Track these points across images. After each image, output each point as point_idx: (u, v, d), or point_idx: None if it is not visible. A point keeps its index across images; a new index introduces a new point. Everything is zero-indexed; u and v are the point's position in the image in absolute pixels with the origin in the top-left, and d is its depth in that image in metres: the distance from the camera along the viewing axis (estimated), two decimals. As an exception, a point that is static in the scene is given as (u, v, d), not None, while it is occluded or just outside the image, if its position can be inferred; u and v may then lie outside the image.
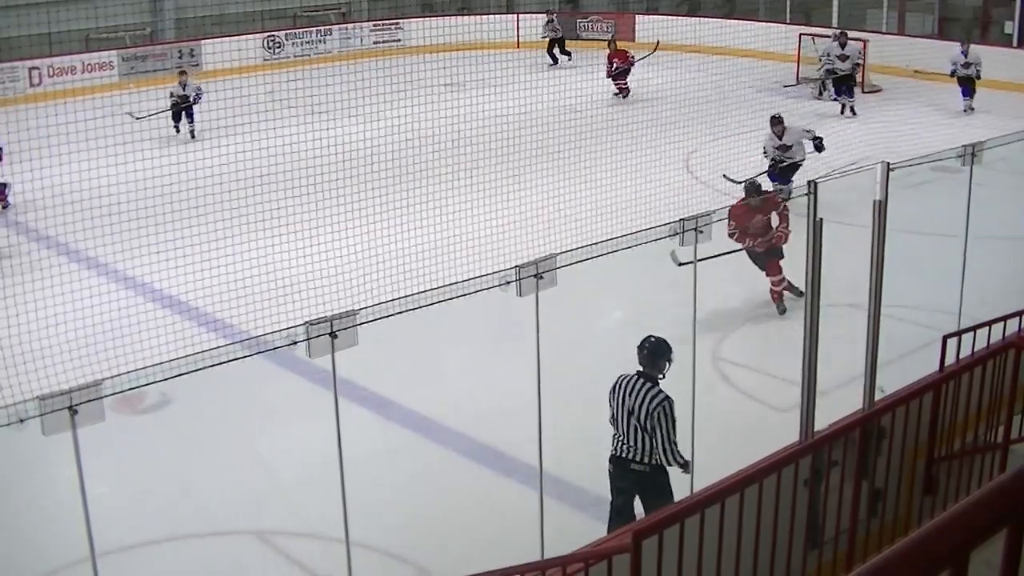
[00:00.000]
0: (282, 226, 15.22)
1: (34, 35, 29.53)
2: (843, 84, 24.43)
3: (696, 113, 20.77)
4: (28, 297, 12.59)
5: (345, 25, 34.68)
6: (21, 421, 5.83)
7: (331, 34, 33.63)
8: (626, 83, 26.55)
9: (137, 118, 20.35)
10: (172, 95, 23.79)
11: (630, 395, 7.80)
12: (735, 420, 9.76)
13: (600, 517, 8.31)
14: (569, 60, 30.96)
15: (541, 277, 7.13)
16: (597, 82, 22.82)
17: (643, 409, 7.73)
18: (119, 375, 8.42)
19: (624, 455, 7.88)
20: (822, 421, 7.09)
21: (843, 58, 24.27)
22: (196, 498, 9.37)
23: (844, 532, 6.71)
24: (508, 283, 6.89)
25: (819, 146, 16.57)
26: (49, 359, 10.73)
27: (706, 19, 30.90)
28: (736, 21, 30.86)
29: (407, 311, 6.69)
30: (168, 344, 10.64)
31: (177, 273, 13.36)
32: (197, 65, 30.79)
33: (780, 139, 16.49)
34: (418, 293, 6.96)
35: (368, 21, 34.79)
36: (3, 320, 12.10)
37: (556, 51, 31.30)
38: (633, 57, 26.33)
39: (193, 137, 23.12)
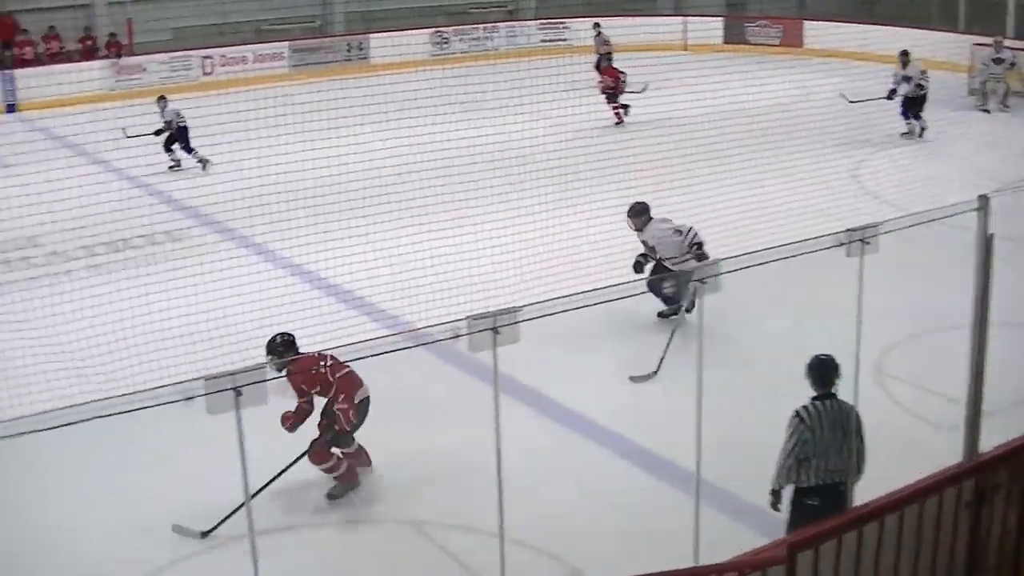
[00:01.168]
0: (446, 220, 15.38)
1: (207, 25, 30.41)
2: (910, 107, 22.07)
3: (863, 120, 20.46)
4: (197, 280, 12.97)
5: (512, 23, 34.88)
6: (189, 399, 6.01)
7: (498, 31, 33.84)
8: (619, 106, 23.80)
9: (128, 136, 19.45)
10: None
11: (828, 416, 7.55)
12: (895, 436, 9.55)
13: (754, 526, 8.23)
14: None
15: (704, 283, 7.08)
16: (770, 86, 22.45)
17: (850, 424, 7.52)
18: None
19: (837, 481, 7.62)
20: (987, 442, 6.91)
21: (906, 79, 21.91)
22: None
23: (1008, 560, 6.53)
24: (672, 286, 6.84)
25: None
26: (217, 340, 11.04)
27: (878, 26, 30.16)
28: (908, 29, 30.07)
29: (571, 310, 6.69)
30: (331, 332, 10.87)
31: (343, 262, 13.60)
32: (365, 59, 31.31)
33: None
34: (581, 292, 6.96)
35: (535, 20, 34.91)
36: (172, 301, 12.50)
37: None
38: (623, 81, 23.71)
39: (203, 167, 20.53)
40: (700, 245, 12.58)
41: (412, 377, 10.47)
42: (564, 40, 33.39)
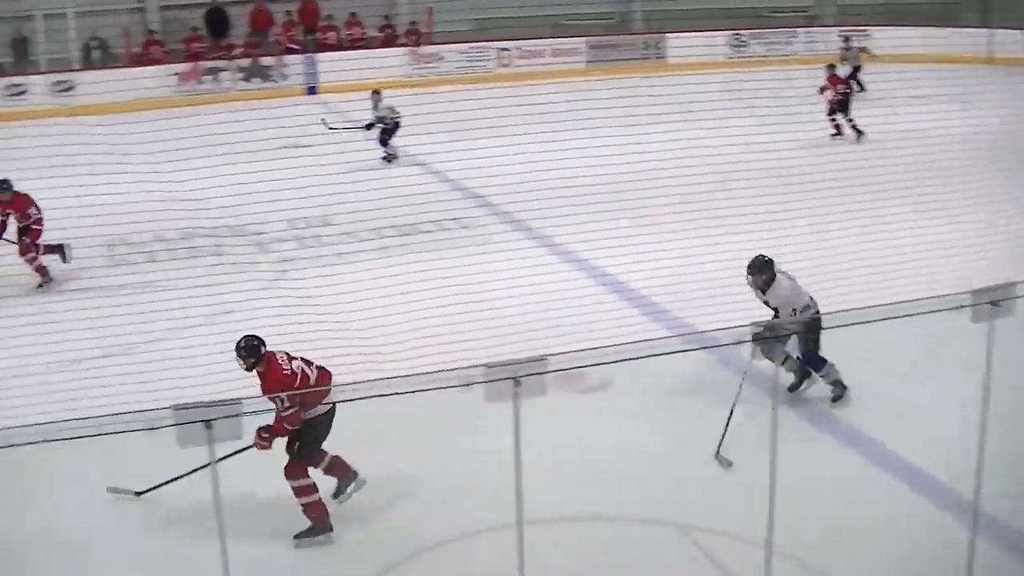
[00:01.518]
0: (726, 224, 15.10)
1: (506, 17, 30.80)
2: None
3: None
4: (480, 267, 13.09)
5: (811, 28, 34.08)
6: (467, 385, 6.00)
7: (796, 37, 33.14)
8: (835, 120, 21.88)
9: (330, 127, 19.67)
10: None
11: None
12: None
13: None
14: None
15: (998, 305, 6.62)
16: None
17: None
18: (564, 353, 8.59)
19: None
20: None
21: None
22: (619, 483, 9.38)
23: None
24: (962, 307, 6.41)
25: None
26: (499, 330, 11.06)
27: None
28: None
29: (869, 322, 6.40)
30: (613, 328, 10.77)
31: (626, 259, 13.50)
32: (661, 58, 31.19)
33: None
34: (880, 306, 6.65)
35: (835, 26, 34.01)
36: (453, 287, 12.64)
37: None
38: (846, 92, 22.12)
39: (388, 162, 20.70)
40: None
41: (690, 378, 10.26)
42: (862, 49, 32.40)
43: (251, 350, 8.57)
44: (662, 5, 33.43)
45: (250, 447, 8.35)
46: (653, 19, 33.97)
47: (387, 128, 20.66)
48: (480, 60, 30.11)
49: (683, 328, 12.19)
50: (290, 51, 29.47)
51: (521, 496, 6.07)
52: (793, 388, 10.83)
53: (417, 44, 30.17)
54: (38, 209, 14.60)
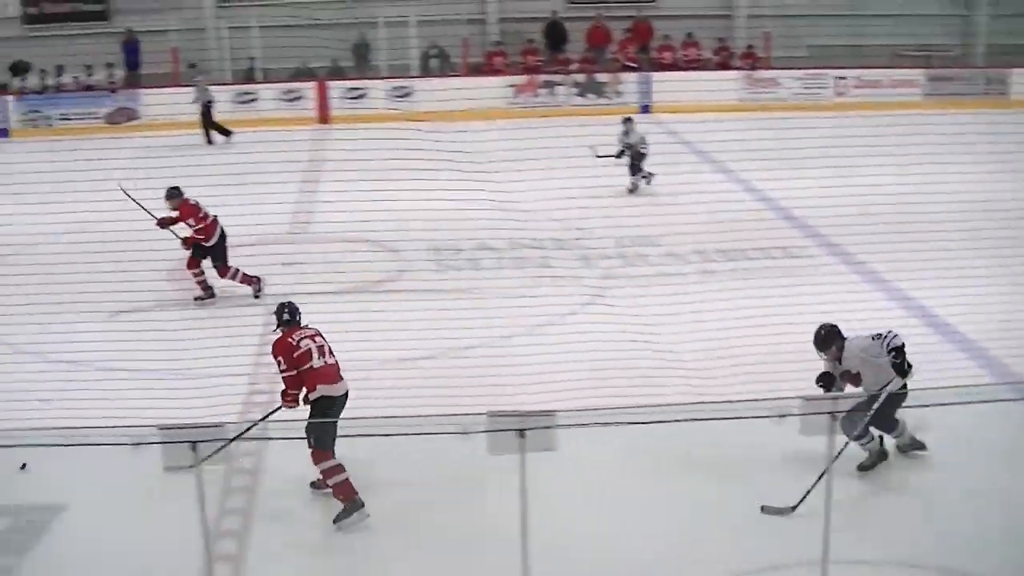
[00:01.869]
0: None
1: (844, 46, 30.05)
2: None
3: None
4: (804, 299, 12.64)
5: None
6: (782, 416, 5.79)
7: None
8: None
9: (597, 156, 18.59)
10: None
11: None
12: None
13: None
14: None
15: None
16: None
17: None
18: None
19: None
20: None
21: None
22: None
23: None
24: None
25: None
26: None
27: None
28: None
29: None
30: (936, 371, 10.17)
31: (953, 297, 12.86)
32: (1003, 94, 29.77)
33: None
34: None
35: None
36: (772, 316, 12.23)
37: None
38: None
39: (636, 186, 19.80)
40: (899, 350, 9.38)
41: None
42: None
43: (279, 314, 9.85)
44: (1009, 39, 31.88)
45: (280, 408, 9.49)
46: (996, 54, 32.46)
47: (636, 156, 20.01)
48: (816, 87, 29.45)
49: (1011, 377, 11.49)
50: (626, 68, 29.55)
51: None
52: (864, 468, 9.72)
53: (753, 68, 29.77)
54: (205, 218, 14.58)
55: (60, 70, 29.29)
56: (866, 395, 9.35)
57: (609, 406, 9.11)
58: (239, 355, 12.05)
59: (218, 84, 28.37)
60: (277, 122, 26.38)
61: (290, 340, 9.56)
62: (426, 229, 14.39)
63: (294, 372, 9.43)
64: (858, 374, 9.53)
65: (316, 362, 9.47)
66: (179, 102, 25.76)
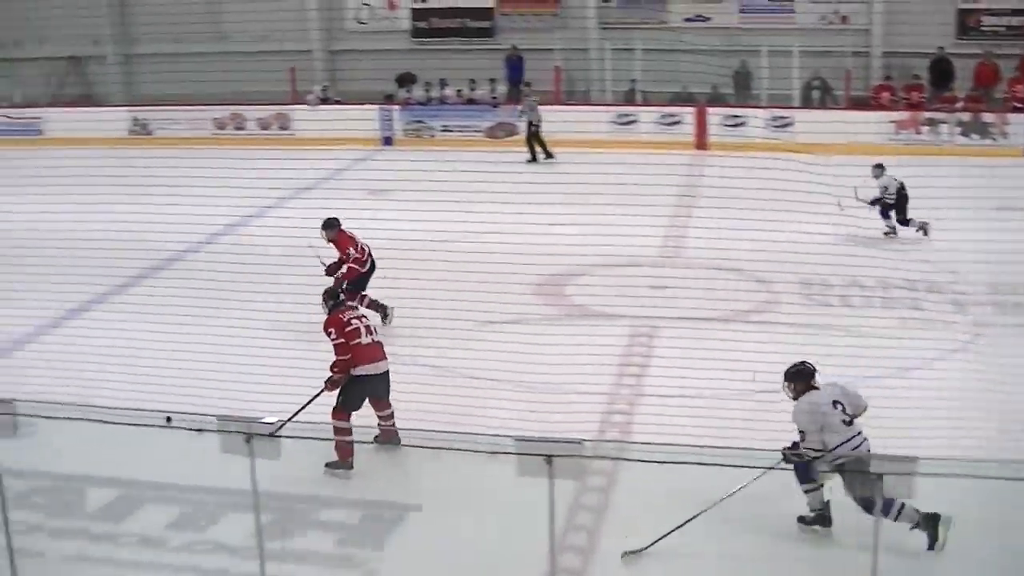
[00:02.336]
0: None
1: None
2: None
3: None
4: None
5: None
6: None
7: None
8: None
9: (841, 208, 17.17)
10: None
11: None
12: None
13: None
14: None
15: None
16: None
17: None
18: None
19: None
20: None
21: None
22: None
23: None
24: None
25: None
26: None
27: None
28: None
29: None
30: None
31: None
32: None
33: None
34: None
35: None
36: None
37: None
38: None
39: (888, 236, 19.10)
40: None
41: None
42: None
43: (326, 300, 11.37)
44: None
45: (330, 379, 10.79)
46: None
47: (887, 203, 19.07)
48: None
49: None
50: (1016, 109, 28.35)
51: None
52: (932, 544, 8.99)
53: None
54: (360, 251, 14.79)
55: (444, 83, 30.84)
56: None
57: (970, 457, 8.95)
58: (600, 373, 12.42)
59: (598, 105, 29.17)
60: (655, 145, 26.77)
61: (341, 317, 11.04)
62: (797, 262, 14.35)
63: (343, 342, 10.82)
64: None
65: (364, 339, 10.91)
66: (559, 120, 26.61)
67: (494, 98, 30.45)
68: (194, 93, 30.57)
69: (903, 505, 8.75)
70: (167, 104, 31.13)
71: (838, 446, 9.09)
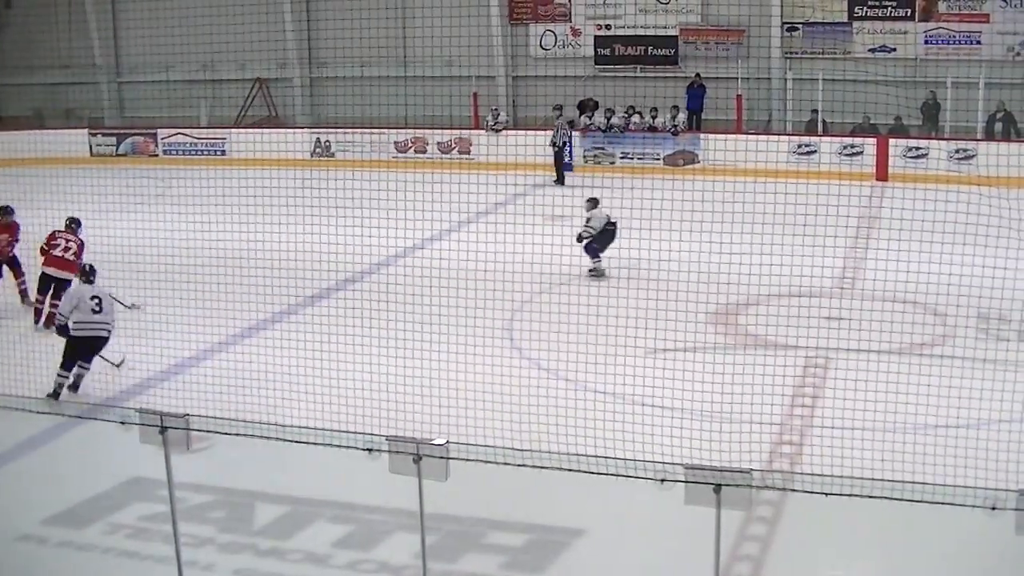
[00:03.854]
0: None
1: None
2: None
3: None
4: None
5: None
6: None
7: None
8: None
9: None
10: None
11: None
12: None
13: None
14: None
15: None
16: None
17: None
18: None
19: None
20: None
21: None
22: None
23: None
24: None
25: None
26: None
27: None
28: None
29: None
30: None
31: None
32: None
33: None
34: None
35: None
36: None
37: None
38: None
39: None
40: None
41: None
42: None
43: None
44: None
45: None
46: None
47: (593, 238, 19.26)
48: None
49: None
50: None
51: None
52: None
53: None
54: None
55: (627, 110, 30.98)
56: None
57: None
58: (772, 403, 12.40)
59: (779, 134, 28.98)
60: (835, 175, 26.43)
61: None
62: (975, 295, 14.09)
63: None
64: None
65: None
66: (740, 149, 26.55)
67: (675, 126, 30.51)
68: (377, 116, 31.37)
69: None
70: (350, 127, 32.00)
71: None
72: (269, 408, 11.75)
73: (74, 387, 14.16)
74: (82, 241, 17.35)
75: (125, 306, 15.27)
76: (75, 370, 14.20)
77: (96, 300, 14.20)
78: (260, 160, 27.47)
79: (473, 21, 29.32)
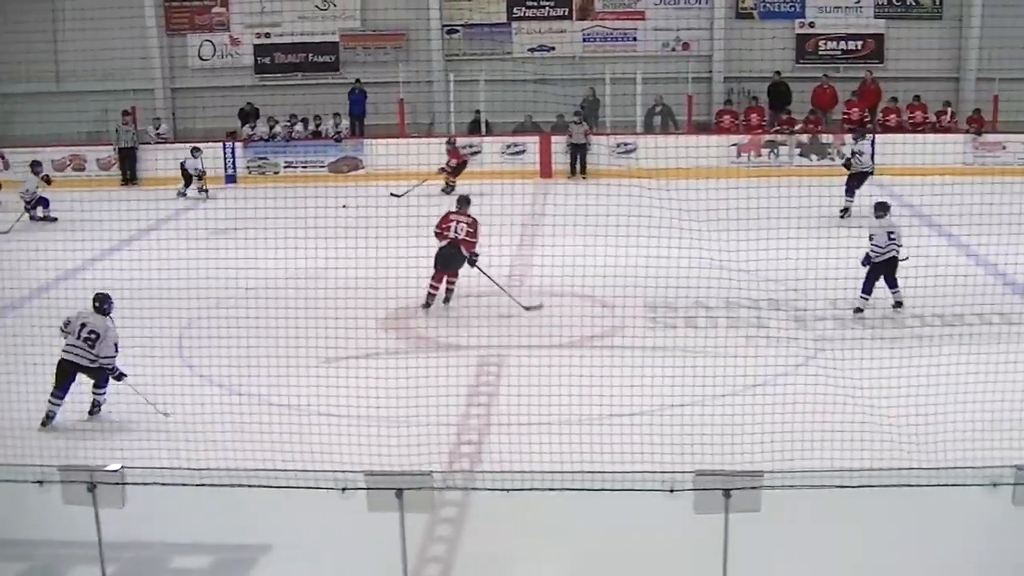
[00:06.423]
0: None
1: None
2: None
3: None
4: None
5: None
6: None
7: None
8: None
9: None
10: None
11: None
12: None
13: None
14: None
15: None
16: None
17: None
18: None
19: None
20: None
21: None
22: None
23: None
24: None
25: None
26: None
27: None
28: None
29: None
30: None
31: None
32: None
33: None
34: None
35: None
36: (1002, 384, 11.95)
37: None
38: None
39: None
40: None
41: None
42: None
43: None
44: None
45: None
46: None
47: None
48: (1046, 153, 28.46)
49: None
50: (851, 130, 29.08)
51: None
52: None
53: (979, 132, 28.95)
54: None
55: (290, 118, 30.57)
56: None
57: (818, 468, 9.07)
58: (448, 404, 12.35)
59: (440, 137, 29.11)
60: (500, 175, 26.79)
61: None
62: (642, 286, 14.50)
63: None
64: None
65: None
66: (403, 153, 26.51)
67: (338, 132, 30.25)
68: (31, 134, 29.85)
69: None
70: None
71: None
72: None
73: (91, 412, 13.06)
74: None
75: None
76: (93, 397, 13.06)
77: (94, 335, 12.85)
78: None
79: (127, 32, 28.22)
